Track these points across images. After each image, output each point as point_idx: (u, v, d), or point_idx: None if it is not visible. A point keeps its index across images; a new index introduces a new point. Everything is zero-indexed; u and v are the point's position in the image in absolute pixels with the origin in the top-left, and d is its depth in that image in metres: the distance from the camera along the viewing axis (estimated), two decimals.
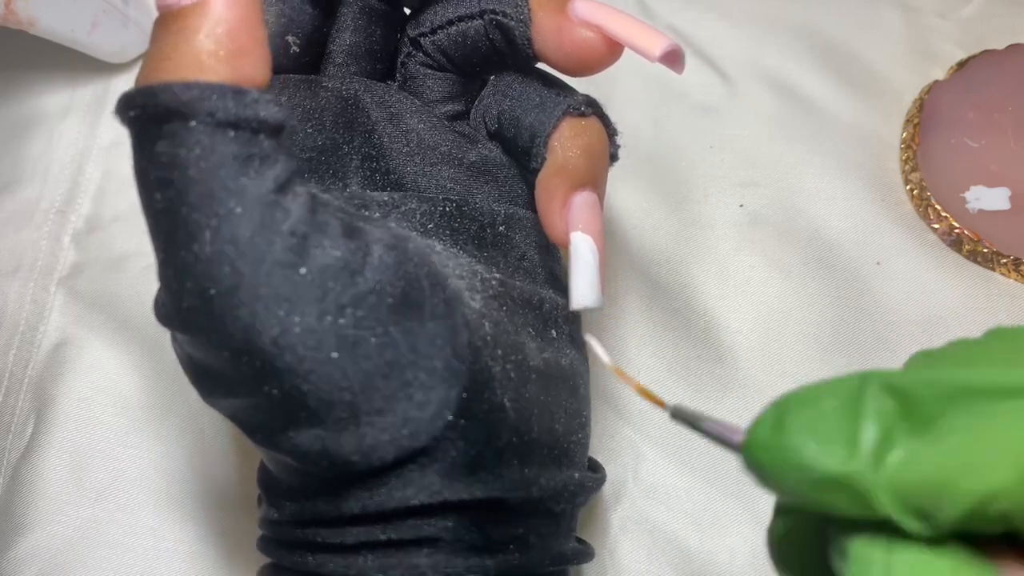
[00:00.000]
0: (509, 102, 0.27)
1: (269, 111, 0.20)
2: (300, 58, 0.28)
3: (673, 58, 0.25)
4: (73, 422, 0.35)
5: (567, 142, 0.25)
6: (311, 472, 0.23)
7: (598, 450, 0.35)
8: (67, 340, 0.37)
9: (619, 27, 0.24)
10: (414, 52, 0.28)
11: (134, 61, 0.42)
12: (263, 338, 0.20)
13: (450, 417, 0.22)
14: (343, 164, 0.26)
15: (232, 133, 0.20)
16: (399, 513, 0.23)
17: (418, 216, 0.26)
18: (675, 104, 0.42)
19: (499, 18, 0.26)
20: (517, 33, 0.26)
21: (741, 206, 0.39)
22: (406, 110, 0.28)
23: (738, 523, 0.34)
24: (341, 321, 0.20)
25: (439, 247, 0.25)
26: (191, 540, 0.33)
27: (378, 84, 0.28)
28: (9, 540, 0.33)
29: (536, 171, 0.26)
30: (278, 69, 0.27)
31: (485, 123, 0.28)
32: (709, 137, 0.41)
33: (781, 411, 0.16)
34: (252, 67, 0.20)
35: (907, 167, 0.40)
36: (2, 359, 0.37)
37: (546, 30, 0.25)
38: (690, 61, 0.43)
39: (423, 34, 0.28)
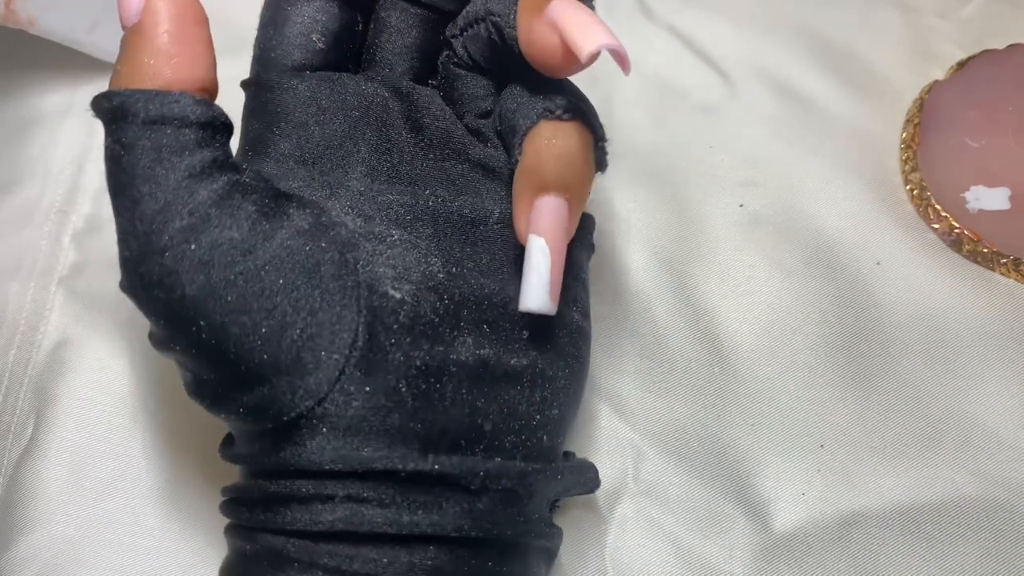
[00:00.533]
0: (506, 101, 0.27)
1: (191, 110, 0.24)
2: (327, 55, 0.29)
3: (616, 58, 0.25)
4: (73, 422, 0.35)
5: (540, 144, 0.25)
6: (253, 431, 0.26)
7: (598, 450, 0.35)
8: (67, 340, 0.37)
9: (568, 23, 0.24)
10: (449, 53, 0.29)
11: None
12: (165, 296, 0.24)
13: (339, 387, 0.24)
14: (349, 155, 0.28)
15: (154, 130, 0.24)
16: (324, 473, 0.25)
17: (394, 208, 0.27)
18: (675, 104, 0.42)
19: (495, 18, 0.26)
20: (506, 33, 0.26)
21: (741, 206, 0.39)
22: (427, 108, 0.29)
23: (737, 522, 0.34)
24: (230, 291, 0.24)
25: (396, 236, 0.26)
26: (192, 540, 0.33)
27: (407, 83, 0.29)
28: (9, 540, 0.33)
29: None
30: (306, 65, 0.29)
31: (495, 122, 0.29)
32: (709, 137, 0.41)
33: None
34: (190, 71, 0.24)
35: (907, 167, 0.40)
36: (2, 359, 0.37)
37: (520, 30, 0.26)
38: (690, 61, 0.43)
39: (454, 35, 0.29)
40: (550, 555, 0.29)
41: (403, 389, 0.25)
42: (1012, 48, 0.40)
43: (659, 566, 0.33)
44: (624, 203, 0.40)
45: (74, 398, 0.35)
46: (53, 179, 0.40)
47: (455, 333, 0.26)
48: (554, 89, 0.27)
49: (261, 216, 0.25)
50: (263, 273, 0.24)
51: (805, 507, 0.34)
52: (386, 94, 0.29)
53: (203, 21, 0.25)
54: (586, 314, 0.29)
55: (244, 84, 0.29)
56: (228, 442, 0.28)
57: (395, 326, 0.25)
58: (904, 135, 0.41)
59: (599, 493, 0.33)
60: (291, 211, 0.25)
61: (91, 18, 0.39)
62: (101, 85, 0.41)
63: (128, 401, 0.35)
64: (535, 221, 0.25)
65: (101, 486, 0.34)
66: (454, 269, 0.27)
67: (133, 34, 0.24)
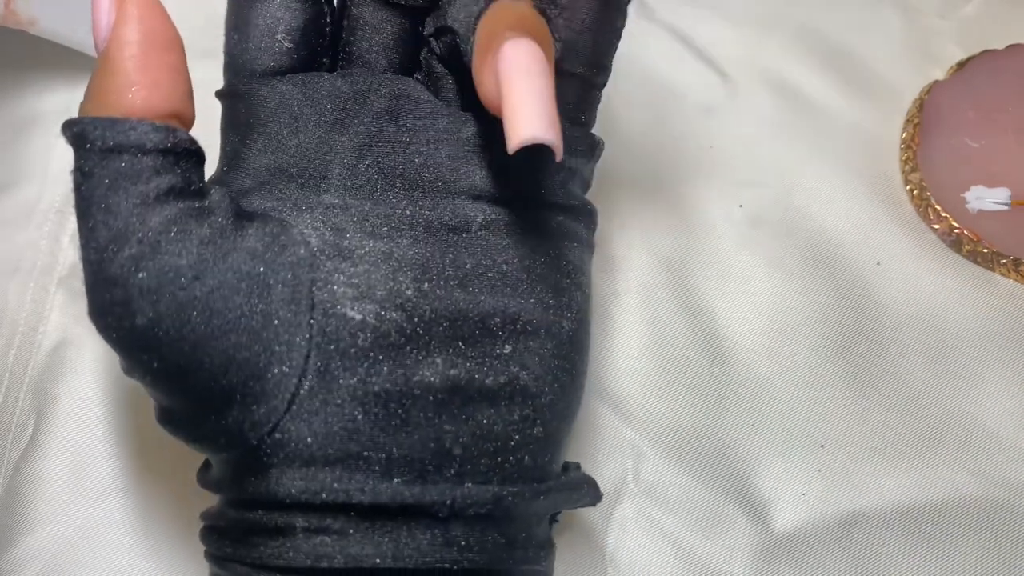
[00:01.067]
0: (454, 20, 0.26)
1: (148, 137, 0.23)
2: (296, 54, 0.28)
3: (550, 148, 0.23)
4: (73, 422, 0.35)
5: (494, 16, 0.24)
6: (222, 459, 0.25)
7: (598, 450, 0.35)
8: (67, 340, 0.37)
9: (506, 95, 0.22)
10: (428, 50, 0.28)
11: None
12: (117, 325, 0.24)
13: (290, 415, 0.24)
14: (326, 161, 0.26)
15: (111, 158, 0.23)
16: (284, 504, 0.24)
17: (370, 219, 0.26)
18: (675, 104, 0.42)
19: (455, 37, 0.26)
20: (463, 52, 0.26)
21: (741, 206, 0.39)
22: (407, 95, 0.27)
23: (738, 523, 0.34)
24: (178, 320, 0.23)
25: (366, 250, 0.25)
26: (193, 540, 0.33)
27: (387, 76, 0.28)
28: (9, 540, 0.33)
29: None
30: (276, 68, 0.27)
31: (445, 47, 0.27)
32: (709, 137, 0.41)
33: None
34: (153, 98, 0.24)
35: (907, 167, 0.40)
36: (2, 359, 0.37)
37: (474, 60, 0.24)
38: (690, 61, 0.43)
39: (431, 35, 0.28)
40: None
41: (359, 416, 0.24)
42: (1012, 48, 0.40)
43: (659, 566, 0.33)
44: (624, 203, 0.39)
45: (74, 398, 0.35)
46: (53, 179, 0.40)
47: (423, 354, 0.24)
48: None
49: (213, 239, 0.24)
50: (211, 299, 0.23)
51: (805, 507, 0.34)
52: (363, 90, 0.27)
53: (172, 47, 0.24)
54: (582, 321, 0.27)
55: (218, 95, 0.28)
56: (206, 466, 0.28)
57: (352, 350, 0.24)
58: (904, 135, 0.41)
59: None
60: (249, 231, 0.25)
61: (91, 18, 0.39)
62: None
63: (128, 401, 0.35)
64: (506, 58, 0.23)
65: (101, 486, 0.34)
66: (427, 284, 0.25)
67: (101, 59, 0.24)
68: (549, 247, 0.27)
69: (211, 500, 0.27)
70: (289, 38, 0.28)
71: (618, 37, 0.29)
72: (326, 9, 0.29)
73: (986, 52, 0.41)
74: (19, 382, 0.36)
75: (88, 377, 0.36)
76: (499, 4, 0.25)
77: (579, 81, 0.28)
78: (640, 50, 0.43)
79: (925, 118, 0.40)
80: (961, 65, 0.41)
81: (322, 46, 0.29)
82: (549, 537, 0.27)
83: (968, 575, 0.33)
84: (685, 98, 0.42)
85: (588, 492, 0.28)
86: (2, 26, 0.36)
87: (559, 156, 0.23)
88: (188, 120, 0.25)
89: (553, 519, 0.28)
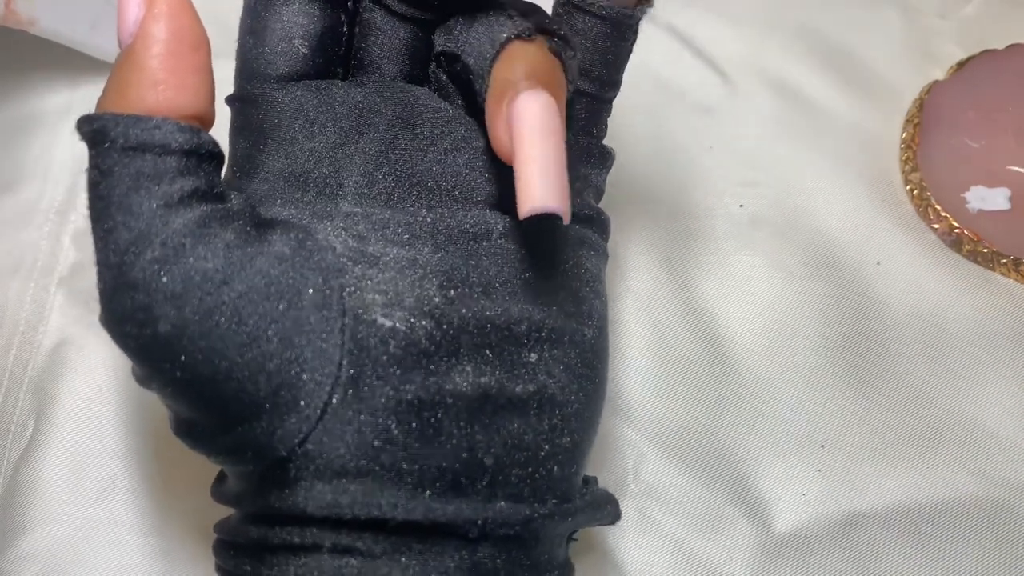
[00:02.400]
0: (465, 41, 0.26)
1: (173, 137, 0.22)
2: (312, 61, 0.27)
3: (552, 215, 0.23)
4: (73, 422, 0.35)
5: (509, 63, 0.24)
6: (241, 471, 0.25)
7: (599, 450, 0.35)
8: (67, 340, 0.37)
9: (521, 158, 0.22)
10: (436, 65, 0.28)
11: None
12: (137, 332, 0.23)
13: (322, 426, 0.23)
14: (342, 168, 0.26)
15: (133, 156, 0.22)
16: (311, 520, 0.23)
17: (391, 226, 0.25)
18: (675, 104, 0.42)
19: (468, 69, 0.26)
20: (477, 88, 0.25)
21: (741, 206, 0.39)
22: (422, 103, 0.27)
23: (738, 523, 0.34)
24: (204, 326, 0.22)
25: (390, 257, 0.25)
26: (193, 541, 0.33)
27: (399, 84, 0.28)
28: (9, 540, 0.33)
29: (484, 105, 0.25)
30: (290, 74, 0.27)
31: (456, 66, 0.27)
32: (709, 137, 0.41)
33: None
34: (178, 98, 0.23)
35: (907, 167, 0.40)
36: (2, 359, 0.37)
37: (488, 101, 0.24)
38: (690, 61, 0.43)
39: (439, 54, 0.28)
40: None
41: (393, 426, 0.23)
42: (1012, 48, 0.40)
43: (659, 567, 0.33)
44: (624, 203, 0.39)
45: (74, 398, 0.35)
46: (53, 179, 0.40)
47: (453, 361, 0.24)
48: (509, 12, 0.26)
49: (239, 244, 0.23)
50: (239, 305, 0.22)
51: (806, 507, 0.34)
52: (377, 98, 0.27)
53: (200, 47, 0.23)
54: (602, 329, 0.27)
55: (228, 100, 0.28)
56: (221, 479, 0.27)
57: (384, 357, 0.23)
58: (904, 135, 0.41)
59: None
60: (273, 237, 0.24)
61: (91, 18, 0.39)
62: (101, 85, 0.41)
63: (128, 401, 0.35)
64: (520, 115, 0.23)
65: (101, 486, 0.34)
66: (453, 291, 0.25)
67: (124, 55, 0.23)
68: (568, 255, 0.27)
69: (206, 504, 0.27)
70: (306, 44, 0.27)
71: (629, 54, 0.29)
72: (343, 18, 0.28)
73: (986, 52, 0.41)
74: (19, 382, 0.36)
75: (88, 377, 0.36)
76: (514, 48, 0.24)
77: (590, 98, 0.29)
78: (640, 50, 0.43)
79: (925, 118, 0.40)
80: (961, 65, 0.41)
81: (337, 54, 0.28)
82: (567, 558, 0.27)
83: (968, 575, 0.33)
84: (685, 98, 0.42)
85: (610, 512, 0.27)
86: (2, 26, 0.36)
87: (567, 220, 0.23)
88: (209, 123, 0.24)
89: (571, 538, 0.28)
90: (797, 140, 0.41)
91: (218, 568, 0.26)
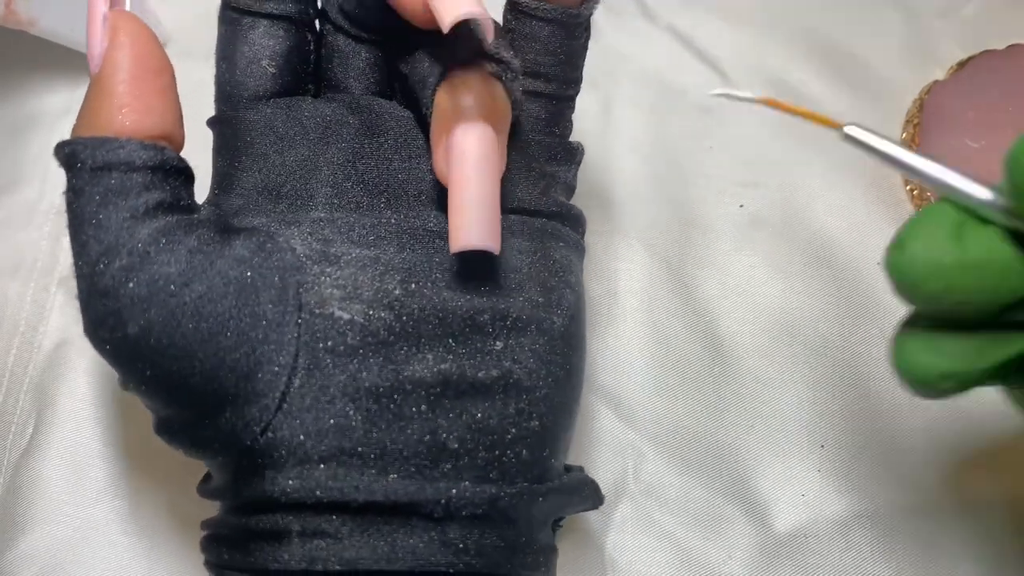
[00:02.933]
0: (415, 62, 0.27)
1: (137, 155, 0.24)
2: (281, 79, 0.29)
3: (482, 27, 0.24)
4: (73, 422, 0.35)
5: (451, 92, 0.25)
6: (221, 464, 0.26)
7: (599, 450, 0.35)
8: (67, 340, 0.37)
9: (454, 194, 0.24)
10: (397, 80, 0.29)
11: None
12: (110, 337, 0.24)
13: (282, 414, 0.24)
14: (311, 178, 0.27)
15: (101, 175, 0.24)
16: (280, 506, 0.24)
17: (356, 229, 0.27)
18: (675, 104, 0.42)
19: (414, 91, 0.27)
20: (427, 123, 0.26)
21: (741, 206, 0.39)
22: (387, 114, 0.28)
23: (737, 523, 0.34)
24: (169, 326, 0.24)
25: (352, 256, 0.26)
26: (193, 541, 0.33)
27: (366, 98, 0.29)
28: (9, 540, 0.33)
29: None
30: (262, 94, 0.29)
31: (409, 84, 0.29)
32: (709, 137, 0.41)
33: None
34: (142, 119, 0.24)
35: None
36: (2, 359, 0.37)
37: (432, 133, 0.26)
38: (690, 61, 0.43)
39: (397, 74, 0.29)
40: None
41: (351, 412, 0.24)
42: (1012, 48, 0.40)
43: (659, 566, 0.33)
44: (624, 203, 0.39)
45: (74, 398, 0.35)
46: (53, 179, 0.40)
47: (413, 350, 0.25)
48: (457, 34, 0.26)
49: (202, 249, 0.25)
50: (200, 304, 0.24)
51: (805, 508, 0.34)
52: (344, 111, 0.28)
53: (162, 72, 0.25)
54: (573, 318, 0.28)
55: (209, 123, 0.29)
56: (207, 477, 0.28)
57: (341, 347, 0.25)
58: (904, 135, 0.41)
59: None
60: (236, 242, 0.25)
61: None
62: None
63: (128, 401, 0.35)
64: (454, 150, 0.24)
65: (101, 486, 0.34)
66: (413, 285, 0.26)
67: (93, 83, 0.25)
68: (535, 247, 0.28)
69: (206, 504, 0.27)
70: (273, 64, 0.29)
71: (585, 50, 0.30)
72: (309, 37, 0.30)
73: (986, 52, 0.41)
74: (19, 382, 0.36)
75: (88, 377, 0.36)
76: (454, 76, 0.26)
77: (548, 99, 0.29)
78: (640, 50, 0.43)
79: (925, 118, 0.40)
80: (961, 65, 0.41)
81: (306, 72, 0.30)
82: (552, 543, 0.27)
83: (968, 575, 0.33)
84: (685, 98, 0.42)
85: (590, 495, 0.28)
86: (2, 26, 0.36)
87: (496, 252, 0.25)
88: (178, 142, 0.26)
89: (556, 524, 0.28)
90: (797, 140, 0.41)
91: (206, 563, 0.27)
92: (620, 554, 0.33)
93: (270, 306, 0.24)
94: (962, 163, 0.37)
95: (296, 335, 0.24)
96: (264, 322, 0.24)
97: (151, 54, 0.25)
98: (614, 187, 0.40)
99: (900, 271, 0.21)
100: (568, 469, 0.29)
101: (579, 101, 0.41)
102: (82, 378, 0.36)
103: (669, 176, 0.40)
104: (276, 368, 0.24)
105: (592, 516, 0.34)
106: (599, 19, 0.44)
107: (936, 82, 0.41)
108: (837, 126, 0.22)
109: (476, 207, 0.24)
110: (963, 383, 0.21)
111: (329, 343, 0.25)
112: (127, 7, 0.26)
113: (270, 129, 0.28)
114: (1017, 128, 0.37)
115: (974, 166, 0.38)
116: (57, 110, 0.42)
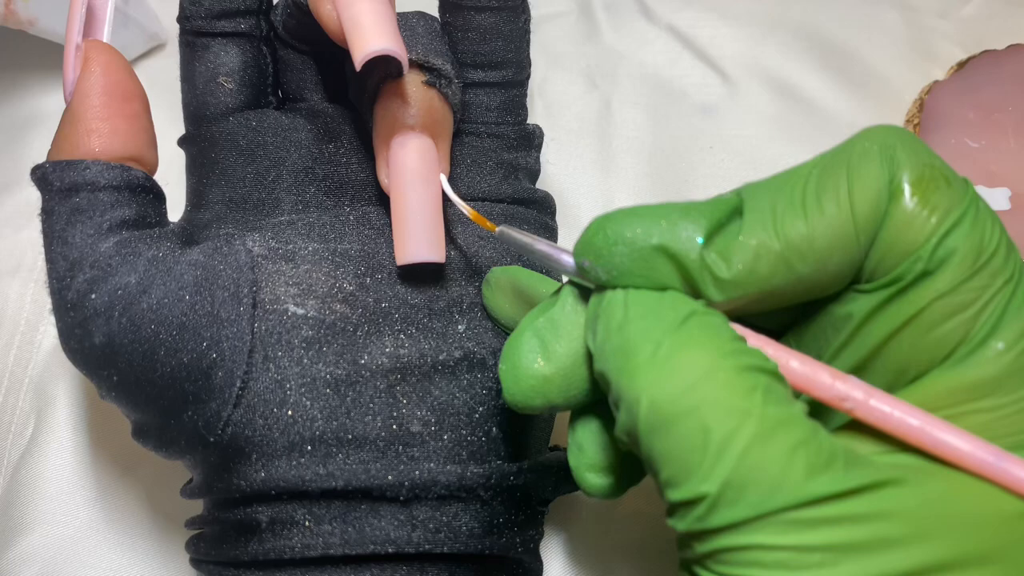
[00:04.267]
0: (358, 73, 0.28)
1: (102, 175, 0.25)
2: (241, 95, 0.29)
3: (396, 60, 0.24)
4: (73, 422, 0.35)
5: (388, 100, 0.26)
6: (197, 463, 0.26)
7: None
8: None
9: (345, 17, 0.24)
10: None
11: (134, 61, 0.42)
12: (78, 347, 0.25)
13: (242, 408, 0.24)
14: (274, 186, 0.28)
15: (68, 195, 0.25)
16: (249, 499, 0.25)
17: (316, 228, 0.27)
18: (675, 104, 0.42)
19: (353, 102, 0.28)
20: (367, 124, 0.27)
21: None
22: (343, 118, 0.29)
23: None
24: (130, 332, 0.24)
25: (309, 250, 0.26)
26: None
27: (324, 105, 0.30)
28: (9, 540, 0.33)
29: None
30: (222, 110, 0.29)
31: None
32: (709, 137, 0.41)
33: (609, 215, 0.20)
34: (111, 143, 0.25)
35: None
36: (2, 359, 0.37)
37: (373, 142, 0.27)
38: (690, 61, 0.43)
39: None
40: (526, 565, 0.28)
41: (308, 403, 0.25)
42: (1012, 48, 0.40)
43: (659, 566, 0.33)
44: (624, 203, 0.39)
45: (74, 398, 0.35)
46: None
47: (372, 339, 0.26)
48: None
49: (162, 258, 0.25)
50: (156, 309, 0.25)
51: None
52: (302, 120, 0.29)
53: (131, 98, 0.26)
54: None
55: (179, 143, 0.30)
56: (190, 479, 0.28)
57: (296, 341, 0.25)
58: None
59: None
60: (194, 248, 0.26)
61: None
62: None
63: None
64: (394, 165, 0.26)
65: (101, 486, 0.34)
66: (368, 279, 0.26)
67: (66, 110, 0.26)
68: (489, 238, 0.29)
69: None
70: (231, 80, 0.29)
71: (527, 32, 0.30)
72: (265, 51, 0.30)
73: (986, 52, 0.41)
74: (19, 382, 0.36)
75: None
76: (387, 92, 0.26)
77: (496, 87, 0.30)
78: (640, 50, 0.43)
79: (925, 118, 0.40)
80: (961, 65, 0.41)
81: (266, 85, 0.30)
82: (535, 524, 0.27)
83: None
84: (685, 98, 0.42)
85: (568, 474, 0.28)
86: (2, 26, 0.36)
87: (442, 261, 0.26)
88: (149, 164, 0.26)
89: (542, 507, 0.28)
90: (797, 140, 0.41)
91: (191, 561, 0.27)
92: (620, 554, 0.33)
93: (225, 305, 0.25)
94: (962, 163, 0.38)
95: (250, 332, 0.25)
96: (219, 321, 0.25)
97: (121, 82, 0.26)
98: (614, 187, 0.40)
99: (505, 390, 0.22)
100: (555, 449, 0.29)
101: (579, 101, 0.41)
102: (82, 378, 0.36)
103: (669, 176, 0.40)
104: (231, 365, 0.24)
105: (592, 516, 0.34)
106: (599, 19, 0.44)
107: (936, 82, 0.41)
108: (493, 228, 0.25)
109: (416, 221, 0.25)
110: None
111: (284, 338, 0.25)
112: (105, 31, 0.27)
113: (233, 144, 0.29)
114: (1017, 128, 0.37)
115: (974, 166, 0.38)
116: (57, 110, 0.41)
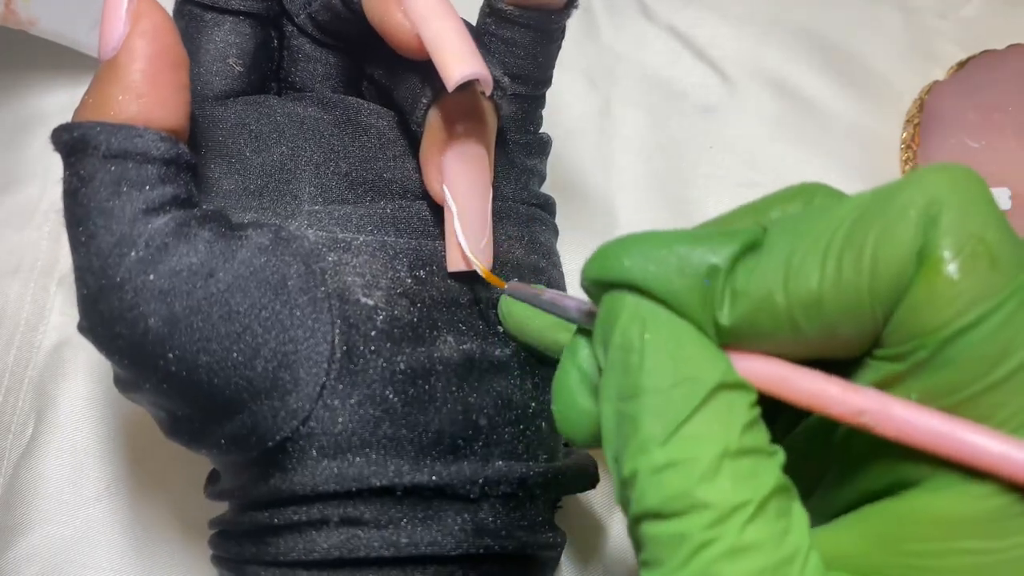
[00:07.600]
0: (403, 74, 0.27)
1: (155, 146, 0.23)
2: (248, 77, 0.28)
3: (480, 84, 0.24)
4: (73, 422, 0.35)
5: (442, 113, 0.25)
6: (238, 462, 0.25)
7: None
8: (67, 340, 0.37)
9: (430, 33, 0.23)
10: (369, 82, 0.30)
11: None
12: (128, 332, 0.23)
13: (322, 403, 0.24)
14: (295, 177, 0.27)
15: (115, 163, 0.23)
16: (317, 497, 0.24)
17: (353, 219, 0.26)
18: (675, 104, 0.42)
19: (399, 104, 0.27)
20: (411, 127, 0.27)
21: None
22: (362, 109, 0.28)
23: None
24: (195, 318, 0.23)
25: (360, 241, 0.26)
26: (192, 541, 0.33)
27: (336, 96, 0.29)
28: (9, 540, 0.33)
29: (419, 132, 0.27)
30: (228, 92, 0.28)
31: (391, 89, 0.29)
32: (709, 137, 0.41)
33: (616, 243, 0.19)
34: (158, 111, 0.23)
35: (907, 167, 0.40)
36: (2, 359, 0.37)
37: (422, 151, 0.26)
38: (690, 61, 0.43)
39: (368, 78, 0.29)
40: (553, 563, 0.28)
41: (391, 396, 0.24)
42: (1012, 48, 0.40)
43: None
44: (624, 203, 0.39)
45: (74, 398, 0.35)
46: (53, 179, 0.40)
47: (435, 333, 0.25)
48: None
49: (218, 240, 0.24)
50: (227, 295, 0.23)
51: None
52: (317, 109, 0.28)
53: (180, 66, 0.24)
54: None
55: None
56: (213, 479, 0.27)
57: (373, 332, 0.24)
58: (904, 135, 0.41)
59: (599, 491, 0.33)
60: (249, 232, 0.25)
61: (91, 18, 0.39)
62: None
63: (128, 401, 0.35)
64: (457, 170, 0.25)
65: (101, 486, 0.34)
66: (421, 272, 0.26)
67: (107, 68, 0.24)
68: (523, 233, 0.29)
69: (207, 504, 0.27)
70: (241, 62, 0.28)
71: (558, 51, 0.30)
72: (274, 35, 0.29)
73: (986, 52, 0.41)
74: (19, 382, 0.36)
75: (88, 377, 0.36)
76: (446, 103, 0.25)
77: (524, 99, 0.30)
78: (640, 50, 0.43)
79: (925, 118, 0.40)
80: (961, 65, 0.41)
81: (271, 70, 0.29)
82: (556, 524, 0.28)
83: None
84: (685, 98, 0.42)
85: (590, 474, 0.28)
86: (2, 26, 0.36)
87: (488, 269, 0.26)
88: (185, 138, 0.25)
89: (556, 505, 0.29)
90: (797, 140, 0.41)
91: (215, 559, 0.26)
92: (620, 553, 0.33)
93: (299, 294, 0.24)
94: (962, 163, 0.38)
95: (331, 322, 0.24)
96: (297, 311, 0.24)
97: (172, 46, 0.24)
98: (614, 187, 0.40)
99: (560, 430, 0.21)
100: (566, 444, 0.29)
101: (579, 101, 0.41)
102: (82, 378, 0.36)
103: (669, 176, 0.40)
104: (315, 356, 0.24)
105: (592, 516, 0.34)
106: (599, 19, 0.44)
107: (936, 82, 0.41)
108: (502, 285, 0.25)
109: (473, 232, 0.25)
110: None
111: (363, 328, 0.24)
112: None
113: (243, 128, 0.27)
114: (1017, 128, 0.37)
115: (974, 166, 0.38)
116: (57, 110, 0.42)
